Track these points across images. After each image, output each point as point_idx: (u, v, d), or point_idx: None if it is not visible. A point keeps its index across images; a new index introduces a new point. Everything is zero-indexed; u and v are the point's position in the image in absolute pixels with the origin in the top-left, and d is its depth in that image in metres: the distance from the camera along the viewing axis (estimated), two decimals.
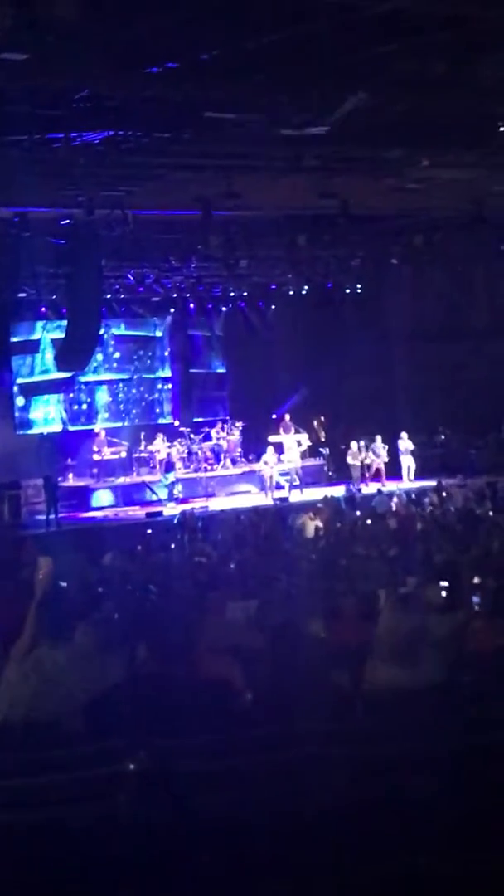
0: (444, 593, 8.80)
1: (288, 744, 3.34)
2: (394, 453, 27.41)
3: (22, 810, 3.00)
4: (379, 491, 24.37)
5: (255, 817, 2.92)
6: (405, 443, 27.37)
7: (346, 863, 2.90)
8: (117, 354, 30.43)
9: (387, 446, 27.50)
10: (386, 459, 27.34)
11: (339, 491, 25.90)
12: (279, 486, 27.31)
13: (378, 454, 27.34)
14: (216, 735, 3.47)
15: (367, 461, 27.63)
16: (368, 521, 18.09)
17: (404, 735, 3.45)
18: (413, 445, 27.45)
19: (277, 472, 27.37)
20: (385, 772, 3.21)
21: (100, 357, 28.55)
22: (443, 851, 2.94)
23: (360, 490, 24.95)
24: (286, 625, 5.30)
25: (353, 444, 27.53)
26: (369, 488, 25.95)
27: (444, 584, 9.07)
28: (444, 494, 20.68)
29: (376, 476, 27.26)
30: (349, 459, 27.50)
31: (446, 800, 3.10)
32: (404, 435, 27.38)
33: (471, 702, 4.11)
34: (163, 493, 26.73)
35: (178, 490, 26.44)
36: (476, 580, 8.96)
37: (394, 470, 27.44)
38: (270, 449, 27.22)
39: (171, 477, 26.29)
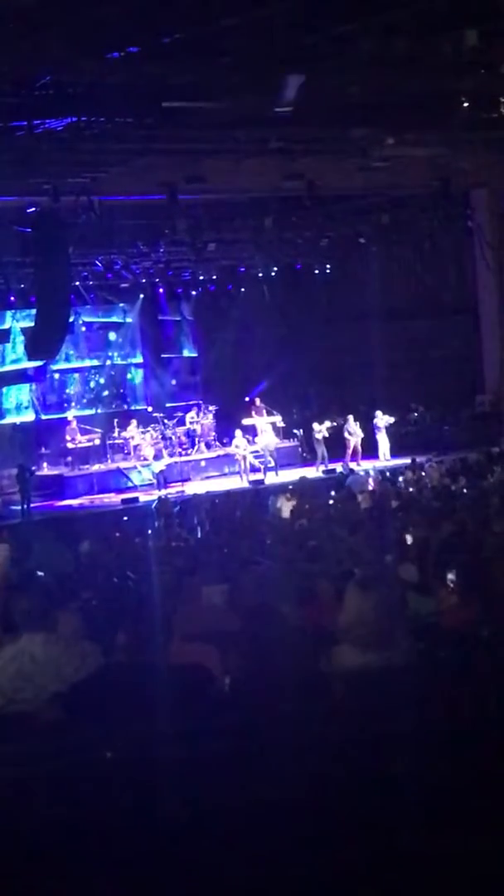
0: (418, 571, 8.87)
1: (266, 727, 3.36)
2: (370, 431, 27.42)
3: (1, 802, 3.01)
4: (352, 470, 24.44)
5: (234, 802, 2.94)
6: (381, 420, 27.37)
7: (327, 845, 2.92)
8: (88, 342, 30.35)
9: (358, 423, 27.49)
10: (361, 436, 27.33)
11: (312, 472, 25.97)
12: (255, 469, 27.33)
13: (352, 433, 27.34)
14: (195, 721, 3.49)
15: (324, 438, 27.54)
16: (343, 501, 18.14)
17: (382, 715, 3.48)
18: (392, 419, 27.43)
19: (250, 455, 27.39)
20: (364, 752, 3.23)
21: (70, 345, 28.44)
22: (424, 831, 2.97)
23: (353, 470, 24.88)
24: (260, 607, 5.31)
25: (315, 424, 27.51)
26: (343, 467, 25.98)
27: (418, 562, 9.14)
28: (419, 472, 20.75)
29: (353, 455, 27.28)
30: (317, 437, 27.46)
31: (426, 779, 3.12)
32: (379, 413, 27.40)
33: (447, 679, 4.14)
34: (142, 480, 26.69)
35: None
36: (451, 556, 8.99)
37: (368, 448, 27.47)
38: (239, 433, 27.23)
39: (160, 465, 26.22)
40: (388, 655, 4.40)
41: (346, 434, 27.44)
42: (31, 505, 24.48)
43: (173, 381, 32.43)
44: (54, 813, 2.95)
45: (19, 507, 24.50)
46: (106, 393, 30.89)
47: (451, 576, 7.20)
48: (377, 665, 4.28)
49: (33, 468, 25.92)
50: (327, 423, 27.44)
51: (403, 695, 3.58)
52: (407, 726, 3.27)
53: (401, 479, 20.31)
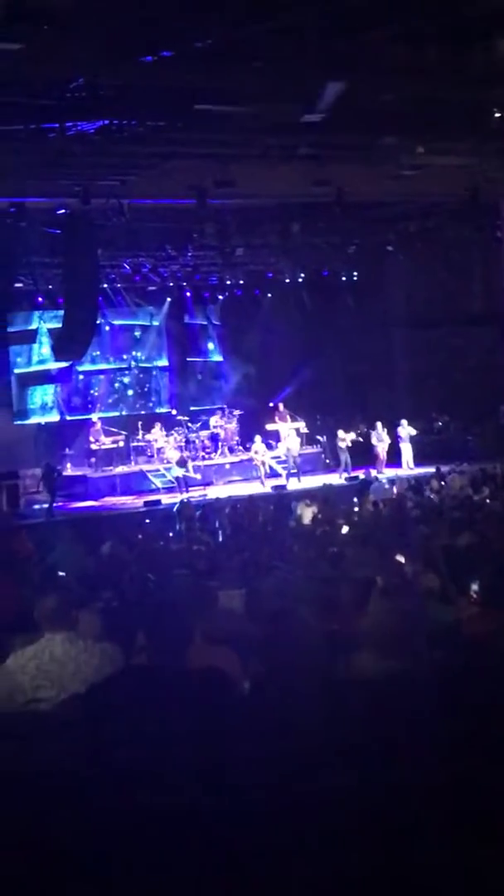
0: (440, 580, 8.86)
1: (285, 733, 3.37)
2: (393, 440, 27.41)
3: (19, 800, 3.02)
4: (376, 478, 24.41)
5: (250, 806, 2.95)
6: (406, 429, 27.36)
7: (344, 849, 2.93)
8: (114, 344, 30.44)
9: (385, 429, 27.50)
10: (388, 441, 27.33)
11: (335, 479, 25.96)
12: (275, 474, 27.34)
13: (381, 439, 27.35)
14: (214, 724, 3.50)
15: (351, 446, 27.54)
16: (366, 509, 18.13)
17: (403, 722, 3.48)
18: (415, 432, 27.44)
19: (269, 460, 27.42)
20: (381, 760, 3.23)
21: (96, 347, 28.52)
22: (442, 838, 2.97)
23: (376, 478, 24.85)
24: (280, 613, 5.32)
25: (341, 432, 27.52)
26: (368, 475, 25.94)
27: (442, 571, 9.13)
28: (442, 481, 20.71)
29: (378, 462, 27.25)
30: (340, 445, 27.48)
31: (444, 787, 3.12)
32: (404, 422, 27.37)
33: (467, 688, 4.13)
34: (165, 482, 26.75)
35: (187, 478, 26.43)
36: (472, 566, 8.98)
37: (391, 456, 27.45)
38: (258, 438, 27.28)
39: (181, 471, 26.26)
40: (409, 663, 4.40)
41: (374, 441, 27.41)
42: (55, 505, 24.57)
43: (198, 384, 32.46)
44: (71, 812, 2.97)
45: (42, 507, 24.60)
46: (131, 395, 30.95)
47: (474, 586, 7.20)
48: (397, 672, 4.28)
49: (58, 468, 26.02)
50: (352, 435, 27.45)
51: (423, 703, 3.57)
52: (425, 735, 3.27)
53: (424, 487, 20.29)
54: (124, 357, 30.81)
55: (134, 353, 31.00)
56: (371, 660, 4.61)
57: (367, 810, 2.93)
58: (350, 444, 27.37)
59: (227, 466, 28.33)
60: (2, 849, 2.84)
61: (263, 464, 27.05)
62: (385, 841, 2.86)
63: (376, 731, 3.28)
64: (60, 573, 11.83)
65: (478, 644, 5.54)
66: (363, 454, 27.60)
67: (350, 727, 3.31)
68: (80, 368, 29.34)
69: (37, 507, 25.04)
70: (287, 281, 29.79)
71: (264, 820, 2.86)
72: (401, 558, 10.36)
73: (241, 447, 29.02)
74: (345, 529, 15.30)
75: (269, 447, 27.91)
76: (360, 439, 27.85)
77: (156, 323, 31.28)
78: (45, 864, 2.84)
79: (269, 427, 28.54)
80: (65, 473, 27.12)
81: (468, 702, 3.54)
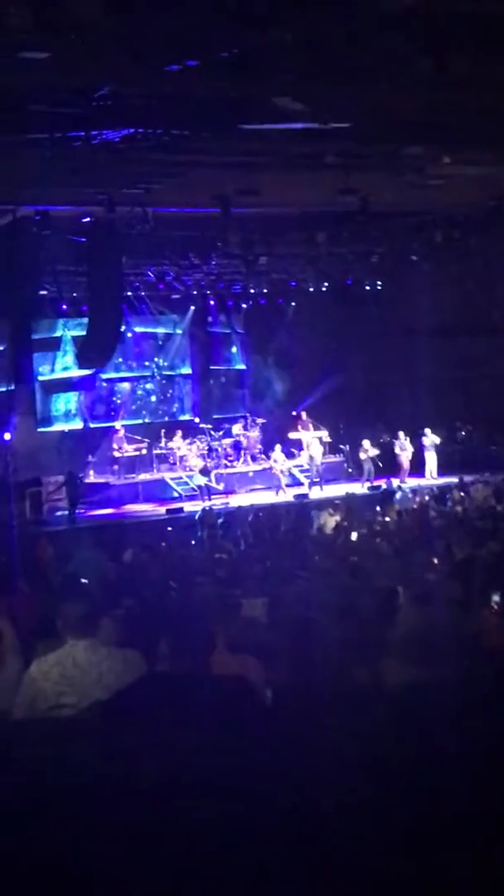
0: (463, 590, 8.83)
1: (307, 742, 3.36)
2: (417, 449, 27.38)
3: (40, 807, 3.02)
4: (399, 487, 24.37)
5: (273, 814, 2.94)
6: (430, 438, 27.32)
7: (365, 860, 2.91)
8: (138, 351, 30.50)
9: (408, 439, 27.50)
10: (412, 450, 27.32)
11: (357, 488, 25.94)
12: (297, 483, 27.35)
13: (404, 448, 27.33)
14: (236, 733, 3.49)
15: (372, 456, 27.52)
16: (389, 518, 18.10)
17: (425, 732, 3.46)
18: (439, 440, 27.41)
19: (288, 469, 27.44)
20: (406, 769, 3.22)
21: (120, 354, 28.61)
22: (465, 849, 2.95)
23: (400, 487, 24.83)
24: (303, 621, 5.32)
25: (365, 442, 27.52)
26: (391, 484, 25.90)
27: (462, 581, 9.10)
28: (465, 491, 20.66)
29: (401, 472, 27.22)
30: (361, 455, 27.48)
31: (467, 797, 3.11)
32: (428, 430, 27.33)
33: (490, 699, 4.11)
34: (187, 490, 26.80)
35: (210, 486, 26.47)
36: (495, 577, 8.95)
37: (415, 466, 27.42)
38: (278, 447, 27.35)
39: (203, 480, 26.30)
40: (436, 672, 4.38)
41: (397, 450, 27.39)
42: (77, 512, 24.65)
43: (221, 392, 32.50)
44: (93, 820, 2.97)
45: (64, 514, 24.68)
46: (154, 402, 31.01)
47: (495, 597, 7.18)
48: (424, 681, 4.27)
49: (81, 476, 26.11)
50: (376, 450, 27.43)
51: (448, 713, 3.56)
52: (450, 745, 3.25)
53: (447, 497, 20.24)
54: (147, 365, 30.87)
55: (157, 360, 31.05)
56: (400, 667, 4.60)
57: (394, 822, 2.92)
58: (373, 454, 27.36)
59: (250, 475, 28.35)
60: (21, 857, 2.85)
61: (283, 472, 27.06)
62: (414, 853, 2.84)
63: (401, 741, 3.27)
64: (83, 580, 11.85)
65: (499, 655, 5.52)
66: (386, 463, 27.57)
67: (377, 737, 3.29)
68: (104, 376, 29.42)
69: (59, 513, 25.12)
70: (311, 290, 29.79)
71: (288, 831, 2.85)
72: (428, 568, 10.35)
73: (263, 455, 29.05)
74: (365, 539, 15.28)
75: (291, 456, 27.93)
76: (383, 448, 27.82)
77: (179, 331, 31.34)
78: (64, 874, 2.83)
79: (292, 436, 28.57)
80: (88, 481, 27.22)
81: (492, 712, 3.53)
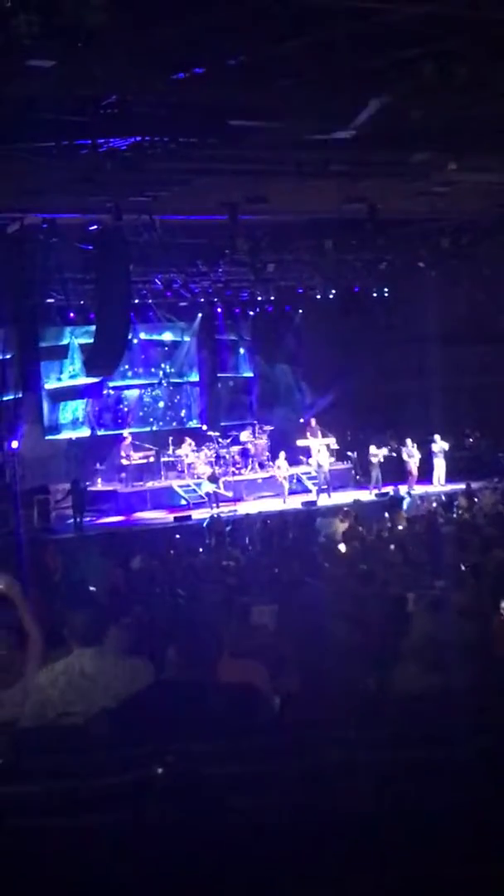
0: (471, 597, 8.80)
1: (315, 750, 3.35)
2: (426, 456, 27.35)
3: (50, 815, 3.02)
4: (409, 493, 24.35)
5: (281, 823, 2.93)
6: (439, 444, 27.31)
7: (373, 869, 2.90)
8: (145, 359, 30.53)
9: (416, 445, 27.48)
10: (419, 456, 27.29)
11: (365, 495, 25.91)
12: (306, 490, 27.36)
13: (412, 455, 27.32)
14: (243, 740, 3.49)
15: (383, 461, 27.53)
16: (397, 525, 18.06)
17: (434, 740, 3.45)
18: (447, 446, 27.40)
19: (301, 474, 27.46)
20: (414, 777, 3.21)
21: (127, 362, 28.64)
22: (472, 858, 2.93)
23: (408, 493, 24.82)
24: (312, 629, 5.31)
25: (372, 447, 27.53)
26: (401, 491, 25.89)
27: (472, 587, 9.07)
28: (473, 498, 20.62)
29: (410, 478, 27.20)
30: (372, 459, 27.47)
31: (476, 806, 3.09)
32: (437, 437, 27.33)
33: (499, 706, 4.10)
34: (195, 498, 26.82)
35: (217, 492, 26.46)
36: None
37: (423, 472, 27.40)
38: (282, 454, 27.40)
39: (212, 487, 26.30)
40: (445, 679, 4.37)
41: (405, 457, 27.37)
42: (85, 520, 24.66)
43: (229, 399, 32.51)
44: (101, 827, 2.96)
45: (72, 522, 24.70)
46: (161, 410, 31.02)
47: (503, 604, 7.15)
48: (433, 688, 4.26)
49: (87, 483, 26.13)
50: (384, 450, 27.42)
51: (458, 721, 3.55)
52: (459, 752, 3.24)
53: (455, 503, 20.20)
54: (155, 372, 30.89)
55: (165, 368, 31.07)
56: (415, 672, 4.59)
57: (402, 830, 2.91)
58: (381, 460, 27.34)
59: (258, 482, 28.35)
60: (32, 864, 2.84)
61: (286, 479, 27.11)
62: (421, 858, 2.83)
63: (410, 747, 3.26)
64: (91, 587, 11.86)
65: None
66: (394, 470, 27.55)
67: (385, 744, 3.29)
68: (111, 384, 29.45)
69: (67, 521, 25.14)
70: (318, 297, 29.80)
71: (295, 838, 2.84)
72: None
73: (271, 463, 29.08)
74: (373, 546, 15.25)
75: (296, 463, 27.97)
76: (392, 455, 27.80)
77: (187, 338, 31.36)
78: (74, 879, 2.83)
79: (300, 443, 28.57)
80: (95, 489, 27.26)
81: (500, 720, 3.52)
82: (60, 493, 25.88)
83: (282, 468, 27.25)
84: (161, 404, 31.04)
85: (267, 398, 32.51)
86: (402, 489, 26.05)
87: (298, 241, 23.13)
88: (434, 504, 20.94)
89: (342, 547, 15.96)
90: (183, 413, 31.60)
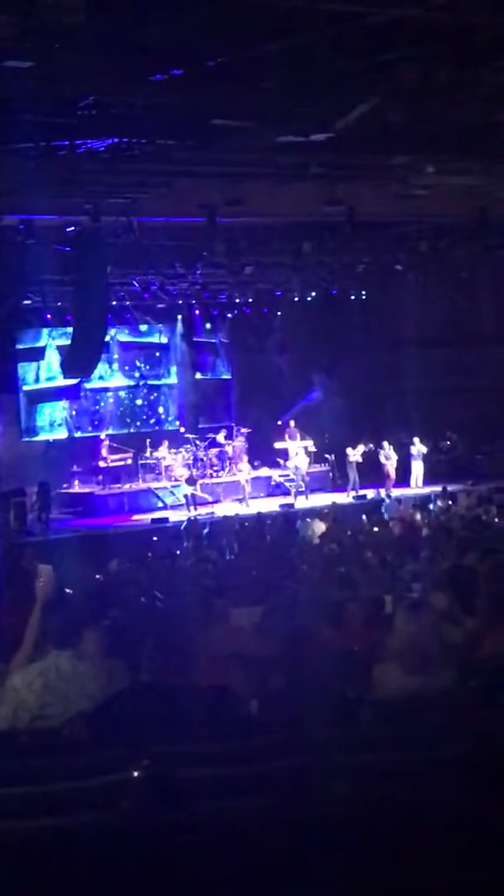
0: (449, 600, 8.80)
1: (293, 751, 3.34)
2: (404, 458, 27.39)
3: (26, 818, 3.00)
4: (388, 496, 24.38)
5: (259, 825, 2.92)
6: (417, 447, 27.35)
7: (350, 870, 2.89)
8: (123, 361, 30.48)
9: (392, 447, 27.50)
10: (396, 458, 27.32)
11: (343, 497, 25.94)
12: (284, 492, 27.39)
13: (389, 457, 27.34)
14: (221, 743, 3.47)
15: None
16: (375, 528, 18.09)
17: (412, 742, 3.45)
18: (426, 450, 27.44)
19: (277, 476, 27.56)
20: (392, 779, 3.20)
21: (105, 364, 28.58)
22: (450, 860, 2.93)
23: (389, 495, 24.85)
24: (292, 631, 5.30)
25: (349, 449, 27.56)
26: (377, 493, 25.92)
27: (450, 590, 9.06)
28: (451, 500, 20.67)
29: (388, 480, 27.23)
30: (350, 458, 27.49)
31: (455, 807, 3.09)
32: (416, 440, 27.36)
33: (479, 709, 4.10)
34: (173, 500, 26.79)
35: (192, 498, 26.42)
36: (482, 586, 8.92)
37: (401, 475, 27.43)
38: (245, 458, 27.51)
39: (190, 489, 26.25)
40: (423, 682, 4.37)
41: (382, 459, 27.40)
42: (54, 522, 24.68)
43: (207, 401, 32.50)
44: (77, 831, 2.94)
45: (38, 523, 24.71)
46: (139, 412, 30.97)
47: (481, 606, 7.13)
48: (411, 691, 4.26)
49: (65, 486, 26.10)
50: (361, 448, 27.44)
51: (436, 723, 3.55)
52: (437, 754, 3.24)
53: (432, 506, 20.24)
54: (133, 374, 30.84)
55: (142, 370, 31.03)
56: (396, 673, 4.59)
57: (383, 830, 2.91)
58: (360, 461, 27.37)
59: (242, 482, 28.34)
60: (8, 867, 2.82)
61: (248, 482, 27.17)
62: (399, 859, 2.83)
63: (389, 750, 3.25)
64: (67, 590, 11.80)
65: (487, 665, 5.50)
66: (372, 472, 27.58)
67: (363, 746, 3.28)
68: (89, 386, 29.36)
69: (43, 524, 25.08)
70: (296, 299, 29.81)
71: (273, 838, 2.84)
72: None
73: (249, 465, 29.08)
74: (351, 548, 15.26)
75: (274, 465, 28.06)
76: (369, 451, 27.81)
77: (165, 340, 31.34)
78: (47, 881, 2.81)
79: (278, 445, 28.58)
80: (73, 491, 27.19)
81: (482, 723, 3.52)
82: (36, 496, 25.81)
83: (244, 471, 27.36)
84: (139, 404, 31.00)
85: (245, 400, 32.49)
86: (381, 492, 26.08)
87: (277, 243, 23.13)
88: (412, 506, 20.97)
89: (319, 546, 15.97)
90: (161, 415, 31.56)
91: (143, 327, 30.32)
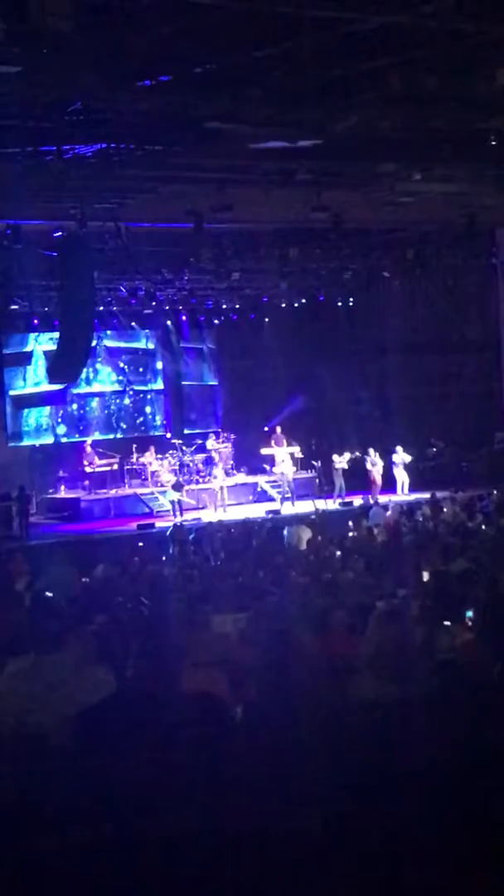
0: (433, 606, 8.82)
1: (276, 758, 3.34)
2: (387, 466, 27.39)
3: (10, 823, 2.99)
4: (375, 503, 24.38)
5: (242, 829, 2.92)
6: (400, 456, 27.35)
7: (333, 876, 2.89)
8: (109, 367, 30.48)
9: (378, 454, 27.52)
10: (381, 464, 27.32)
11: (330, 504, 25.94)
12: (270, 498, 27.41)
13: (374, 464, 27.35)
14: (204, 749, 3.47)
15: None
16: (360, 534, 18.09)
17: (393, 749, 3.45)
18: (409, 458, 27.45)
19: (270, 483, 27.58)
20: (373, 785, 3.20)
21: (92, 369, 28.56)
22: (429, 866, 2.94)
23: (376, 502, 24.87)
24: (276, 638, 5.29)
25: (335, 455, 27.59)
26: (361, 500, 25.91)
27: (434, 597, 9.08)
28: (437, 507, 20.68)
29: (374, 487, 27.24)
30: (336, 466, 27.51)
31: (434, 814, 3.10)
32: (399, 449, 27.37)
33: (460, 716, 4.10)
34: (159, 506, 26.78)
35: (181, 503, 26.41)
36: (466, 593, 8.95)
37: (386, 482, 27.43)
38: (220, 464, 27.57)
39: (176, 495, 26.22)
40: (406, 689, 4.37)
41: (368, 466, 27.39)
42: (41, 528, 24.66)
43: (193, 407, 32.51)
44: (65, 835, 2.93)
45: (38, 529, 24.65)
46: (125, 417, 30.96)
47: (469, 613, 7.17)
48: (394, 697, 4.25)
49: (51, 490, 26.09)
50: (347, 455, 27.46)
51: (416, 729, 3.55)
52: (418, 761, 3.24)
53: (418, 513, 20.25)
54: (119, 380, 30.83)
55: (129, 375, 31.02)
56: (370, 683, 4.59)
57: (365, 835, 2.91)
58: (346, 468, 27.37)
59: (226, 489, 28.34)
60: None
61: (222, 490, 27.19)
62: (380, 865, 2.83)
63: (369, 756, 3.25)
64: (52, 595, 11.78)
65: (472, 672, 5.50)
66: (358, 479, 27.57)
67: (342, 751, 3.28)
68: (75, 391, 29.34)
69: (31, 529, 25.02)
70: (283, 305, 29.84)
71: (260, 846, 2.83)
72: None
73: (235, 471, 29.08)
74: (337, 555, 15.27)
75: (261, 471, 28.10)
76: (355, 457, 27.80)
77: (151, 346, 31.34)
78: (35, 885, 2.80)
79: (264, 451, 28.58)
80: (59, 496, 27.15)
81: (462, 729, 3.52)
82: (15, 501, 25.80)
83: (218, 478, 27.41)
84: (125, 411, 30.97)
85: (231, 406, 32.50)
86: (370, 499, 26.07)
87: (264, 249, 23.16)
88: (398, 513, 20.97)
89: (305, 553, 15.98)
90: (147, 419, 31.54)
91: (130, 334, 30.29)
